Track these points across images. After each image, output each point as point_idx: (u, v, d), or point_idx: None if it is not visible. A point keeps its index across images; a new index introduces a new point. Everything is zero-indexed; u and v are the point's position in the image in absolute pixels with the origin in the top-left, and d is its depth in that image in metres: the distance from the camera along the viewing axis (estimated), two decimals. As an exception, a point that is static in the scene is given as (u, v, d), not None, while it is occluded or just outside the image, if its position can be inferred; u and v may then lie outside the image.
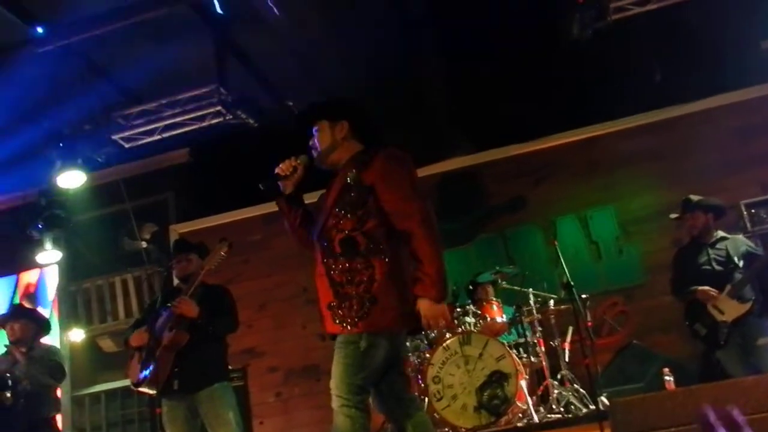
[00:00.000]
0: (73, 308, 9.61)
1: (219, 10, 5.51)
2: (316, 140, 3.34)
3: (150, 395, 4.74)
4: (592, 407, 5.66)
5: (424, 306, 3.02)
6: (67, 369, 6.05)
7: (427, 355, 6.09)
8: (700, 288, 5.55)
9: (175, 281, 5.02)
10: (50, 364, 5.56)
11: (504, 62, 7.05)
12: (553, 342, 6.31)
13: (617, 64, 6.96)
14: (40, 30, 6.54)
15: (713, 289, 5.51)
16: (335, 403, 3.04)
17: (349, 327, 3.03)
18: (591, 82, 7.19)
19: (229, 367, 4.98)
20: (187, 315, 4.38)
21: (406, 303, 3.07)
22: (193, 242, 4.96)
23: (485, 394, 5.68)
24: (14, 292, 10.03)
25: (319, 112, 3.42)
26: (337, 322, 3.06)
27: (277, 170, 3.33)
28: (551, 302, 6.42)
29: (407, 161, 3.20)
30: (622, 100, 7.27)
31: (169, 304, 4.50)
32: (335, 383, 3.05)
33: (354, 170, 3.16)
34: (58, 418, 6.08)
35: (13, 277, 9.86)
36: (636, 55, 6.85)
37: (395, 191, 3.11)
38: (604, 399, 5.68)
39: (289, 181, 3.32)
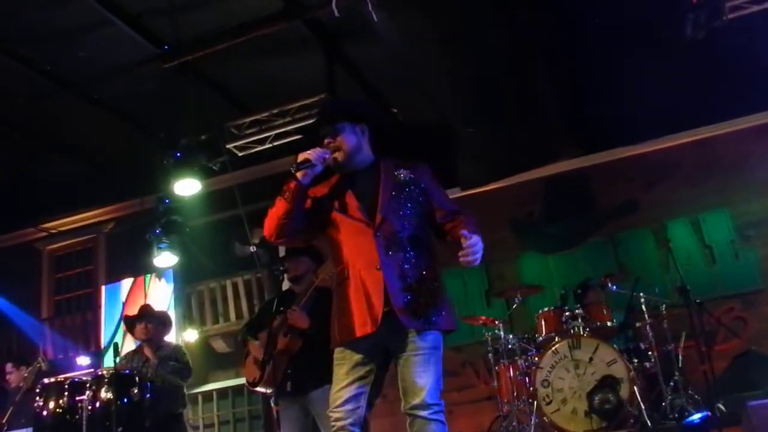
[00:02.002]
0: (187, 310, 10.05)
1: (336, 14, 5.65)
2: (341, 139, 3.23)
3: (264, 395, 4.88)
4: (708, 414, 5.51)
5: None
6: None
7: (536, 359, 6.08)
8: None
9: (287, 284, 5.19)
10: (178, 364, 5.83)
11: (613, 63, 6.94)
12: (666, 347, 6.17)
13: (733, 63, 6.74)
14: (165, 48, 6.94)
15: None
16: (428, 411, 2.97)
17: (430, 324, 3.05)
18: (706, 82, 6.99)
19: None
20: (297, 327, 4.57)
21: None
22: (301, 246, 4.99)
23: (596, 398, 5.62)
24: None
25: (344, 111, 3.37)
26: (418, 317, 3.03)
27: (307, 156, 3.13)
28: (663, 307, 6.29)
29: None
30: (742, 99, 7.05)
31: (282, 309, 4.70)
32: (432, 392, 2.99)
33: (406, 170, 3.24)
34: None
35: (129, 281, 10.43)
36: (754, 53, 6.61)
37: (444, 192, 3.38)
38: (720, 406, 5.52)
39: (311, 171, 3.13)
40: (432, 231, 3.27)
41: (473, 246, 3.00)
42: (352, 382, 3.07)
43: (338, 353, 3.17)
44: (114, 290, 10.50)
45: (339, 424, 3.05)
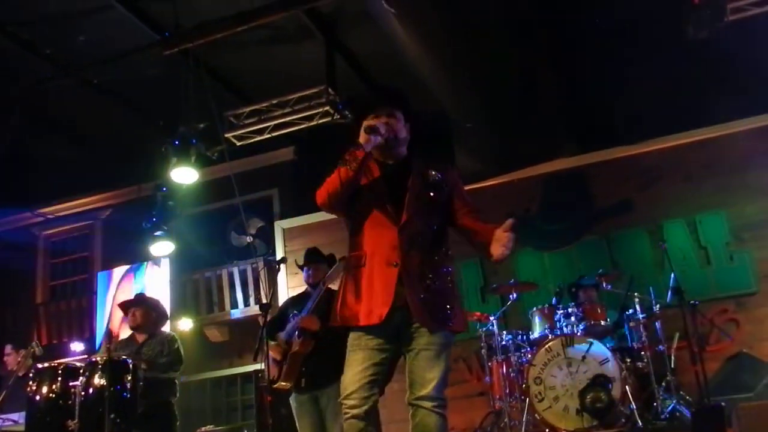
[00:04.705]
0: (182, 298, 10.04)
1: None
2: (396, 125, 3.25)
3: (283, 390, 5.08)
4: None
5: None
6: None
7: (529, 356, 6.10)
8: None
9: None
10: (167, 357, 5.83)
11: (613, 62, 6.95)
12: (659, 347, 6.18)
13: (733, 65, 6.75)
14: (166, 34, 6.93)
15: None
16: (432, 403, 3.02)
17: (444, 324, 3.10)
18: (705, 83, 7.00)
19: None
20: (309, 329, 4.89)
21: None
22: (324, 254, 5.29)
23: (588, 397, 5.64)
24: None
25: (404, 103, 3.37)
26: (434, 318, 3.07)
27: (376, 124, 3.18)
28: (657, 307, 6.30)
29: None
30: (741, 101, 7.05)
31: (294, 312, 5.07)
32: (439, 386, 3.04)
33: (436, 171, 3.28)
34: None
35: (121, 269, 10.42)
36: (755, 54, 6.62)
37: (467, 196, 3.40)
38: (712, 408, 5.53)
39: (374, 138, 3.15)
40: (450, 230, 3.32)
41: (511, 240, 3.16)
42: (367, 368, 3.08)
43: (354, 338, 3.17)
44: (106, 278, 10.51)
45: (353, 412, 3.05)
